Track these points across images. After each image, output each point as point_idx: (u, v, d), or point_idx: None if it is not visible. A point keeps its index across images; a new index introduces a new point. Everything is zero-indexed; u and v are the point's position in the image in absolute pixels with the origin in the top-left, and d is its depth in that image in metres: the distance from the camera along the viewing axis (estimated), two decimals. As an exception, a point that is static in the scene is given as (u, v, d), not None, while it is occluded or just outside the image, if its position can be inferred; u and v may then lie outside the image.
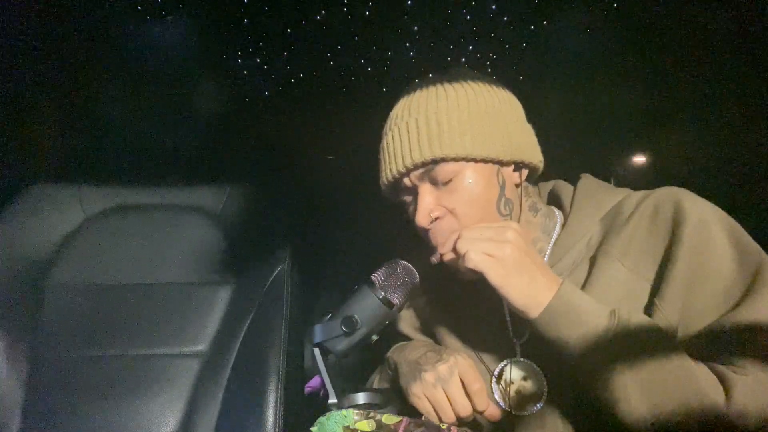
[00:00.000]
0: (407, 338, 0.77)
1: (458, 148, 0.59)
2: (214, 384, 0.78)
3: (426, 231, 0.63)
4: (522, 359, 0.63)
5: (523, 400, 0.61)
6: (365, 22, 1.38)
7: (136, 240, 0.88)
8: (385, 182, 0.65)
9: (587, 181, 0.70)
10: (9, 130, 1.01)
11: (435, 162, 0.60)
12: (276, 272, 0.83)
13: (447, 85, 0.64)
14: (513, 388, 0.62)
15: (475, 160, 0.61)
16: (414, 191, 0.64)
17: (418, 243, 0.84)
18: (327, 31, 1.38)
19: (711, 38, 1.16)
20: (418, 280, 0.63)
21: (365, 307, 0.59)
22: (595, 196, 0.67)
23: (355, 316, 0.58)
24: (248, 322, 0.81)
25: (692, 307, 0.55)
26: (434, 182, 0.62)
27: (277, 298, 0.81)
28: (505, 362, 0.64)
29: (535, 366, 0.61)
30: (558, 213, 0.70)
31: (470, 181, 0.61)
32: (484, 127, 0.61)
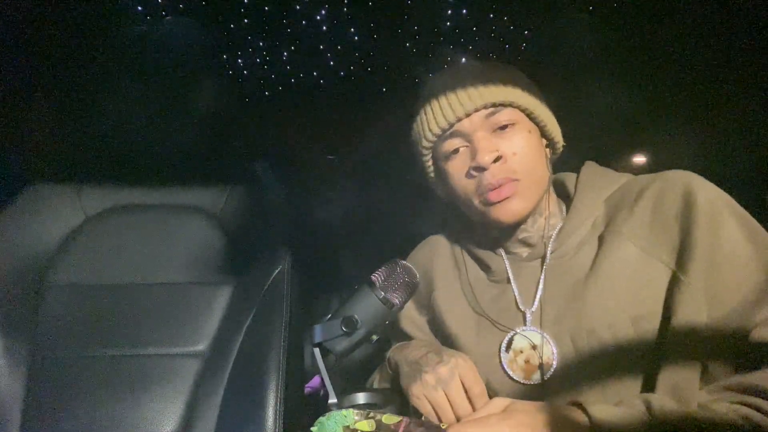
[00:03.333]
0: (409, 337, 0.77)
1: (527, 99, 0.65)
2: (214, 384, 0.78)
3: (479, 173, 0.64)
4: (531, 328, 0.63)
5: (531, 369, 0.61)
6: (365, 22, 1.38)
7: (136, 240, 0.88)
8: (444, 125, 0.66)
9: (591, 166, 0.73)
10: (8, 130, 1.01)
11: (503, 105, 0.64)
12: (276, 272, 0.83)
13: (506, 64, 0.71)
14: (522, 357, 0.62)
15: (531, 117, 0.66)
16: (467, 137, 0.65)
17: (417, 241, 0.84)
18: (327, 31, 1.38)
19: (711, 38, 1.16)
20: (418, 279, 0.63)
21: (365, 307, 0.59)
22: (600, 179, 0.69)
23: (355, 316, 0.58)
24: (248, 322, 0.81)
25: (715, 288, 0.55)
26: (493, 128, 0.64)
27: (277, 298, 0.81)
28: (514, 331, 0.64)
29: (545, 335, 0.61)
30: (561, 200, 0.73)
31: (529, 131, 0.66)
32: (538, 96, 0.68)
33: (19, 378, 0.77)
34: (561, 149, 0.72)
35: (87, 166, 0.94)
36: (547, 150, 0.70)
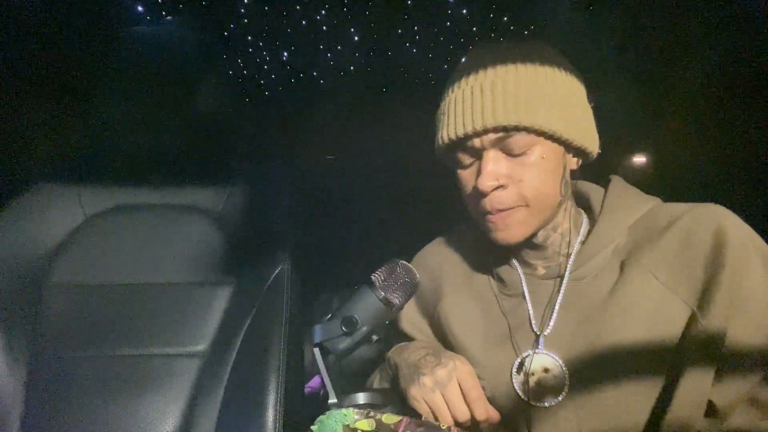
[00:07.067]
0: (409, 338, 0.77)
1: (543, 120, 0.58)
2: (214, 384, 0.78)
3: (481, 196, 0.61)
4: (545, 351, 0.62)
5: (542, 391, 0.61)
6: (365, 22, 1.38)
7: (136, 240, 0.88)
8: (453, 137, 0.62)
9: (619, 184, 0.70)
10: (8, 130, 1.01)
11: (516, 129, 0.59)
12: (276, 272, 0.83)
13: (533, 56, 0.62)
14: (533, 380, 0.62)
15: (551, 138, 0.60)
16: (478, 154, 0.62)
17: (415, 240, 0.84)
18: (327, 31, 1.38)
19: (711, 38, 1.16)
20: (418, 280, 0.63)
21: (365, 307, 0.59)
22: (627, 202, 0.67)
23: (355, 316, 0.58)
24: (248, 322, 0.81)
25: (733, 331, 0.54)
26: (505, 151, 0.60)
27: (277, 298, 0.81)
28: (527, 353, 0.63)
29: (557, 359, 0.61)
30: (582, 212, 0.70)
31: (543, 156, 0.60)
32: (564, 107, 0.61)
33: (19, 378, 0.77)
34: (595, 155, 0.67)
35: (87, 166, 0.94)
36: (575, 160, 0.65)
